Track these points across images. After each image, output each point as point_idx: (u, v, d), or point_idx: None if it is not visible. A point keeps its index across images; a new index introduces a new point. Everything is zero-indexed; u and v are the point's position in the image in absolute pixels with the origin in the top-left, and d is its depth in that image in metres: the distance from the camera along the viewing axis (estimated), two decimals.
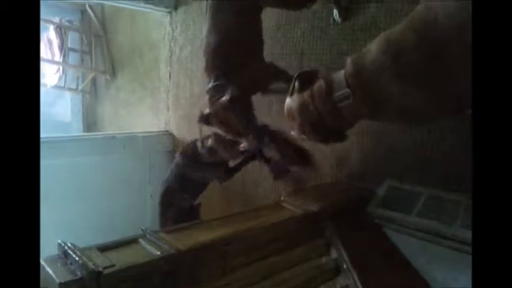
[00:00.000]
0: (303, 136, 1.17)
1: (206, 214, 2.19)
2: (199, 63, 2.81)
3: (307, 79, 1.13)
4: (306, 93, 1.11)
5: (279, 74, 1.88)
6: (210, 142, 1.85)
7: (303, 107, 1.12)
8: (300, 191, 1.65)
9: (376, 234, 1.37)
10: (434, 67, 0.90)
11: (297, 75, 1.14)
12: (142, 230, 1.15)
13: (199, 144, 1.91)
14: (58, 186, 2.42)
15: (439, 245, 1.31)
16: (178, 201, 2.15)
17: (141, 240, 1.11)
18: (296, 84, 1.13)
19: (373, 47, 1.01)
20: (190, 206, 2.21)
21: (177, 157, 2.06)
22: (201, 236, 1.17)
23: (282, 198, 1.50)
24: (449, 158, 1.61)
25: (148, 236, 1.11)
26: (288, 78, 1.71)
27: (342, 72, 1.06)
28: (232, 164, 2.03)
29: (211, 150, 1.84)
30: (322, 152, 2.00)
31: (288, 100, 1.17)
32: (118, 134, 2.97)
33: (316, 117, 1.11)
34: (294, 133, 1.19)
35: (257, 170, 2.38)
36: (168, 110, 3.19)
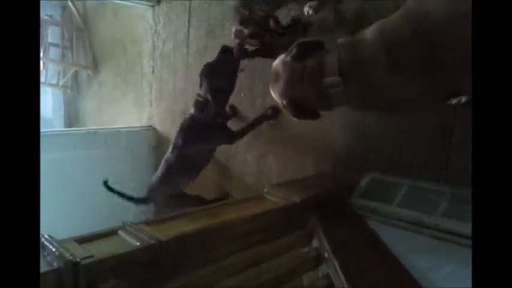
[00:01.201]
0: (279, 101, 1.17)
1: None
2: (182, 57, 2.79)
3: (307, 48, 1.12)
4: (298, 67, 1.10)
5: None
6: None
7: (291, 78, 1.11)
8: (283, 183, 1.65)
9: (358, 225, 1.38)
10: (428, 59, 0.91)
11: (298, 43, 1.12)
12: (122, 222, 1.13)
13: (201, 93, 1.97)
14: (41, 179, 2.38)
15: (421, 234, 1.33)
16: (177, 182, 2.17)
17: (120, 232, 1.09)
18: (295, 50, 1.11)
19: (368, 36, 1.01)
20: (180, 192, 2.25)
21: (177, 135, 2.06)
22: (184, 227, 1.16)
23: (265, 190, 1.50)
24: (428, 147, 1.63)
25: (128, 227, 1.10)
26: None
27: (335, 56, 1.05)
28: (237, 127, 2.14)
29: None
30: (307, 144, 2.01)
31: (279, 61, 1.15)
32: (100, 129, 2.92)
33: (299, 94, 1.11)
34: (272, 92, 1.19)
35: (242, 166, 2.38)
36: (151, 104, 3.15)
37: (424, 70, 0.93)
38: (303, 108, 1.15)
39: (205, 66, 1.97)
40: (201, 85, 1.99)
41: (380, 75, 0.96)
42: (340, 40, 1.08)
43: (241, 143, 2.30)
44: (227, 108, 2.19)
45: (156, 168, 2.26)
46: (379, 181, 1.61)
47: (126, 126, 3.06)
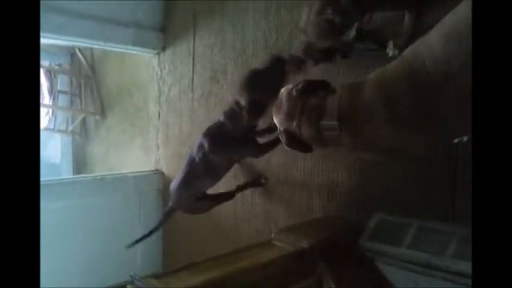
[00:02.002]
0: (278, 129, 1.24)
1: (199, 254, 2.16)
2: (188, 102, 2.86)
3: (313, 87, 1.18)
4: (300, 103, 1.15)
5: None
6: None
7: (291, 111, 1.17)
8: (291, 227, 1.65)
9: (367, 268, 1.36)
10: (425, 112, 0.92)
11: (305, 80, 1.19)
12: (131, 276, 1.13)
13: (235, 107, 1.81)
14: (47, 229, 2.38)
15: (432, 276, 1.31)
16: (200, 183, 2.09)
17: (129, 287, 1.09)
18: (300, 86, 1.17)
19: (368, 85, 1.04)
20: (204, 193, 2.17)
21: (203, 137, 1.96)
22: (192, 279, 1.15)
23: (273, 235, 1.50)
24: (434, 185, 1.63)
25: (136, 282, 1.10)
26: None
27: (336, 101, 1.09)
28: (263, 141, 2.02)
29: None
30: (313, 185, 2.02)
31: (285, 90, 1.23)
32: (108, 175, 2.95)
33: (296, 127, 1.16)
34: (273, 117, 1.27)
35: (249, 209, 2.38)
36: (158, 148, 3.20)
37: (422, 122, 0.94)
38: (296, 140, 1.19)
39: (250, 73, 1.77)
40: (239, 93, 1.81)
41: (377, 126, 0.99)
42: (343, 84, 1.12)
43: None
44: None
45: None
46: (387, 222, 1.60)
47: (133, 171, 3.09)
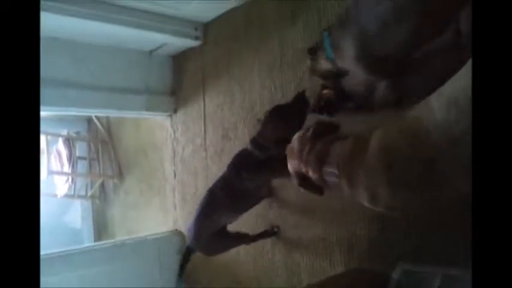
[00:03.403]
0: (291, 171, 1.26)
1: None
2: (201, 160, 2.91)
3: (323, 130, 1.21)
4: (308, 146, 1.18)
5: None
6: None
7: (300, 154, 1.20)
8: (315, 285, 1.61)
9: None
10: (427, 175, 0.91)
11: (317, 123, 1.23)
12: None
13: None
14: None
15: None
16: (219, 215, 2.07)
17: None
18: (311, 129, 1.20)
19: (371, 144, 1.04)
20: (222, 229, 2.15)
21: (227, 168, 2.01)
22: None
23: None
24: (452, 228, 1.59)
25: None
26: None
27: (339, 150, 1.11)
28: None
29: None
30: (333, 238, 1.99)
31: (298, 134, 1.27)
32: (127, 239, 2.97)
33: (304, 172, 1.18)
34: (288, 159, 1.28)
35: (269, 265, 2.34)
36: (175, 208, 3.22)
37: (422, 184, 0.93)
38: (307, 182, 1.20)
39: (275, 108, 1.92)
40: (262, 126, 1.93)
41: (377, 187, 0.99)
42: (351, 135, 1.13)
43: (267, 240, 2.30)
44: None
45: None
46: (411, 273, 1.55)
47: (152, 233, 3.10)
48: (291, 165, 1.27)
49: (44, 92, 2.47)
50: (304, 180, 1.22)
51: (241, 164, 1.98)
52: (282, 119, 1.85)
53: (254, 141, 1.93)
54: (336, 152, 1.11)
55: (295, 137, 1.28)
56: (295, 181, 1.26)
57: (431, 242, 1.64)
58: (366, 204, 1.15)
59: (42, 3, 2.08)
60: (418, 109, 0.95)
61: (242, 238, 2.27)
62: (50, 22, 2.30)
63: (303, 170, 1.19)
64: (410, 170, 0.93)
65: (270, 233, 2.31)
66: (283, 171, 1.98)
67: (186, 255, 2.26)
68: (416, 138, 0.92)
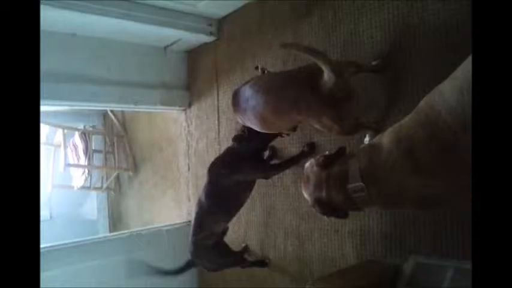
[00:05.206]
0: (309, 200, 1.27)
1: None
2: (215, 154, 2.96)
3: (331, 160, 1.23)
4: (324, 174, 1.20)
5: None
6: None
7: (318, 183, 1.23)
8: (326, 277, 1.65)
9: None
10: (446, 159, 0.95)
11: (323, 155, 1.26)
12: None
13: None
14: None
15: None
16: (211, 223, 2.16)
17: None
18: (320, 160, 1.24)
19: (385, 141, 1.08)
20: (222, 232, 2.27)
21: (209, 170, 2.12)
22: None
23: (307, 286, 1.51)
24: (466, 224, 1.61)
25: None
26: None
27: (357, 164, 1.13)
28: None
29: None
30: (345, 230, 2.02)
31: (309, 165, 1.29)
32: (143, 230, 3.04)
33: (326, 197, 1.20)
34: (303, 192, 1.29)
35: (282, 256, 2.38)
36: (189, 200, 3.28)
37: (445, 168, 0.97)
38: (331, 208, 1.22)
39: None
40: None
41: (404, 178, 1.01)
42: (360, 146, 1.17)
43: (280, 232, 2.35)
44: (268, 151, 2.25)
45: None
46: (424, 265, 1.58)
47: (166, 224, 3.16)
48: (309, 195, 1.28)
49: (62, 87, 2.58)
50: (325, 207, 1.24)
51: (224, 160, 2.09)
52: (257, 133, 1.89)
53: (236, 137, 2.04)
54: (355, 167, 1.14)
55: (307, 169, 1.30)
56: (317, 210, 1.27)
57: (444, 235, 1.66)
58: (399, 206, 1.18)
59: (62, 1, 2.14)
60: (431, 97, 0.98)
61: (235, 256, 2.41)
62: (69, 19, 2.37)
63: (324, 195, 1.21)
64: (430, 155, 0.95)
65: (261, 263, 2.46)
66: (262, 169, 2.11)
67: (186, 267, 2.37)
68: (430, 124, 0.95)
